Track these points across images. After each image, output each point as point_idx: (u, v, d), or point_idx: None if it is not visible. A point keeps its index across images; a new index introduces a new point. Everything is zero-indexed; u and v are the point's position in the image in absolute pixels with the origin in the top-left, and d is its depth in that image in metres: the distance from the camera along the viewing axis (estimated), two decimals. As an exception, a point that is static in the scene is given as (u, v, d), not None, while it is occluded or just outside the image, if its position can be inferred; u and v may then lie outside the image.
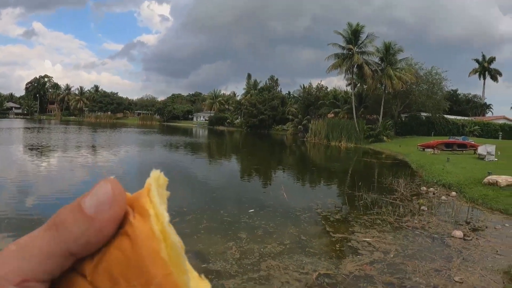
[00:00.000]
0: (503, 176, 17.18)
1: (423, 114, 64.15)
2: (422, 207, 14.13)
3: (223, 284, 7.21)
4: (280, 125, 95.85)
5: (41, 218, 11.33)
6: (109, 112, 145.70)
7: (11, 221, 11.41)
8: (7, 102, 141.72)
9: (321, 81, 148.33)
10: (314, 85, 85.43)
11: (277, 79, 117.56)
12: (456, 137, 45.69)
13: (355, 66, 59.18)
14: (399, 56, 60.01)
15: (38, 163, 24.97)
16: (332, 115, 69.30)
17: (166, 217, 0.47)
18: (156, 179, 0.51)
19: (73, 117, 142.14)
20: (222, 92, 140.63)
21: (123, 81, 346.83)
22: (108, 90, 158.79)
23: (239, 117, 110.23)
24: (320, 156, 42.04)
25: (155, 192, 0.48)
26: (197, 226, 11.47)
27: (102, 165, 24.57)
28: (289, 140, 68.49)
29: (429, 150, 36.66)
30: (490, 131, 64.61)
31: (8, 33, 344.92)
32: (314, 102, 77.55)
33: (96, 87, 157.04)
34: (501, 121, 71.57)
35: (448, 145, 37.06)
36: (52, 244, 0.39)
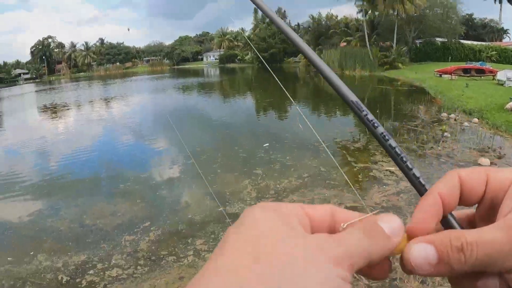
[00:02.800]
0: (527, 101, 16.54)
1: (438, 39, 62.47)
2: (445, 134, 13.64)
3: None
4: (292, 58, 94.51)
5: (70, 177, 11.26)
6: (118, 63, 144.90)
7: (40, 184, 11.48)
8: (14, 69, 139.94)
9: (330, 10, 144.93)
10: (324, 15, 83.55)
11: (284, 11, 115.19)
12: (473, 62, 44.53)
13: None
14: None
15: (56, 123, 24.94)
16: (345, 43, 67.69)
17: None
18: None
19: (82, 73, 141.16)
20: (230, 30, 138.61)
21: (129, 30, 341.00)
22: (114, 41, 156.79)
23: (250, 52, 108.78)
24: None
25: None
26: (212, 165, 11.23)
27: (120, 117, 24.39)
28: (302, 72, 67.54)
29: (446, 76, 35.73)
30: (508, 57, 62.80)
31: (4, 1, 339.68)
32: (325, 31, 75.91)
33: (101, 40, 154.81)
34: (519, 46, 69.68)
35: (466, 71, 36.02)
36: (366, 247, 0.46)
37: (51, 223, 8.23)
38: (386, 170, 9.85)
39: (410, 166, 0.54)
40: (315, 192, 8.54)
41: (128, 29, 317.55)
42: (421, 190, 0.53)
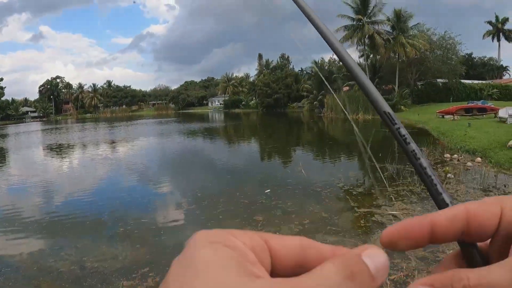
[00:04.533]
0: (529, 138, 16.52)
1: (440, 80, 62.97)
2: (449, 175, 13.53)
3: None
4: (295, 103, 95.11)
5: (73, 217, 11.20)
6: (124, 106, 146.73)
7: (43, 222, 11.43)
8: (22, 107, 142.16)
9: (333, 55, 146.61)
10: (326, 60, 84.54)
11: (288, 57, 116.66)
12: (475, 101, 44.71)
13: (366, 36, 58.15)
14: (411, 23, 58.96)
15: (60, 163, 25.13)
16: (347, 88, 68.31)
17: None
18: None
19: (89, 114, 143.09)
20: (235, 75, 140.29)
21: (136, 74, 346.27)
22: (121, 84, 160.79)
23: (254, 98, 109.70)
24: (338, 130, 41.53)
25: None
26: (212, 211, 11.17)
27: (124, 159, 24.48)
28: (306, 116, 67.91)
29: (448, 116, 35.79)
30: (509, 94, 63.09)
31: (17, 39, 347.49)
32: (327, 76, 76.66)
33: (109, 82, 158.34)
34: (520, 83, 70.06)
35: (468, 110, 36.14)
36: None
37: (51, 263, 8.12)
38: (389, 214, 9.74)
39: (440, 190, 0.50)
40: (316, 238, 8.39)
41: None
42: None
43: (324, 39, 0.59)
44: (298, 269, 0.43)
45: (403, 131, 0.53)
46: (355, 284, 0.39)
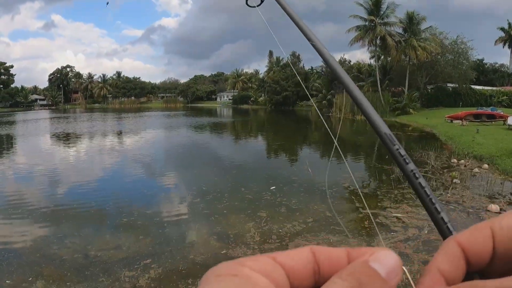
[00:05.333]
0: (537, 146, 16.48)
1: (450, 85, 62.72)
2: (455, 180, 13.50)
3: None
4: (304, 101, 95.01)
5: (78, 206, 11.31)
6: (133, 97, 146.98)
7: (47, 210, 11.48)
8: (32, 94, 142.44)
9: (343, 54, 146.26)
10: (337, 59, 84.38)
11: (299, 55, 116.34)
12: (484, 107, 44.58)
13: (378, 38, 57.92)
14: (423, 26, 58.56)
15: (67, 152, 25.30)
16: (357, 88, 68.19)
17: None
18: None
19: (97, 104, 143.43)
20: (244, 71, 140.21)
21: (145, 66, 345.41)
22: (130, 76, 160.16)
23: (263, 94, 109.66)
24: (346, 131, 41.48)
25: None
26: (217, 206, 11.19)
27: (131, 151, 24.56)
28: (314, 115, 67.79)
29: (457, 121, 35.72)
30: (519, 101, 62.95)
31: (28, 27, 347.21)
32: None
33: (118, 73, 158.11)
34: (530, 90, 69.69)
35: (477, 116, 36.06)
36: None
37: (55, 251, 8.17)
38: (394, 216, 9.73)
39: (439, 209, 0.50)
40: (319, 237, 8.41)
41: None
42: (447, 236, 0.48)
43: (321, 56, 0.59)
44: (316, 277, 0.43)
45: (403, 151, 0.55)
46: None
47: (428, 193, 0.51)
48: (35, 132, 39.95)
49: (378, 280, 0.39)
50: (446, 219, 0.50)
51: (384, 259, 0.41)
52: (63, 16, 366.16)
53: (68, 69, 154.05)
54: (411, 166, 0.54)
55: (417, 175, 0.53)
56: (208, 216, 10.34)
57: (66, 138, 32.72)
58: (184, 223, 10.13)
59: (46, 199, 12.61)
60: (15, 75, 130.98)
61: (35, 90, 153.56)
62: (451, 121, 36.78)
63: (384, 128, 0.56)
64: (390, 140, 0.55)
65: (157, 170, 17.91)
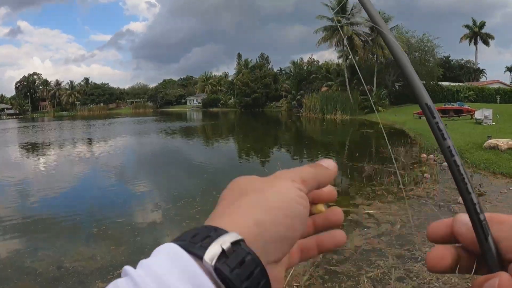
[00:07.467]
0: (503, 140, 16.86)
1: (417, 82, 63.51)
2: (425, 175, 13.60)
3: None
4: (274, 102, 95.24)
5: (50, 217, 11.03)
6: (102, 104, 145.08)
7: (18, 222, 11.24)
8: None
9: (312, 55, 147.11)
10: (305, 60, 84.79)
11: (267, 57, 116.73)
12: (451, 103, 45.24)
13: (345, 38, 58.35)
14: (389, 25, 59.16)
15: (36, 162, 24.69)
16: (326, 88, 68.51)
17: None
18: None
19: (66, 112, 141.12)
20: (213, 74, 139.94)
21: (114, 71, 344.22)
22: (99, 82, 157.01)
23: (232, 97, 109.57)
24: (316, 130, 41.67)
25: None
26: (188, 211, 11.05)
27: (101, 159, 24.15)
28: (284, 116, 68.06)
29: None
30: (485, 96, 64.14)
31: None
32: (306, 77, 76.83)
33: (87, 79, 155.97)
34: (495, 85, 71.15)
35: (445, 112, 36.60)
36: (312, 172, 0.60)
37: (28, 264, 7.92)
38: (366, 213, 9.73)
39: (469, 189, 0.51)
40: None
41: None
42: (474, 217, 0.51)
43: (376, 28, 0.58)
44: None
45: (442, 125, 0.53)
46: (316, 169, 0.61)
47: (462, 172, 0.51)
48: (3, 142, 39.11)
49: (323, 167, 0.62)
50: (475, 201, 0.50)
51: (326, 161, 0.63)
52: (29, 22, 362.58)
53: (35, 76, 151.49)
54: (449, 142, 0.52)
55: (453, 152, 0.52)
56: (180, 222, 10.20)
57: (34, 148, 32.01)
58: (157, 230, 9.97)
59: (16, 211, 12.25)
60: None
61: (1, 99, 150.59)
62: (419, 117, 37.11)
63: (426, 99, 0.55)
64: (430, 112, 0.54)
65: (128, 177, 17.63)
